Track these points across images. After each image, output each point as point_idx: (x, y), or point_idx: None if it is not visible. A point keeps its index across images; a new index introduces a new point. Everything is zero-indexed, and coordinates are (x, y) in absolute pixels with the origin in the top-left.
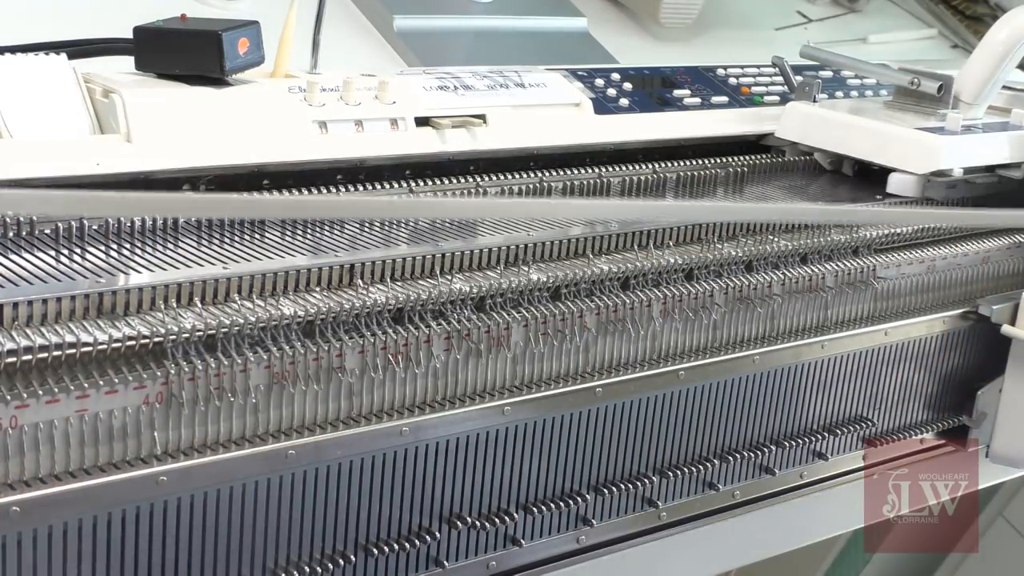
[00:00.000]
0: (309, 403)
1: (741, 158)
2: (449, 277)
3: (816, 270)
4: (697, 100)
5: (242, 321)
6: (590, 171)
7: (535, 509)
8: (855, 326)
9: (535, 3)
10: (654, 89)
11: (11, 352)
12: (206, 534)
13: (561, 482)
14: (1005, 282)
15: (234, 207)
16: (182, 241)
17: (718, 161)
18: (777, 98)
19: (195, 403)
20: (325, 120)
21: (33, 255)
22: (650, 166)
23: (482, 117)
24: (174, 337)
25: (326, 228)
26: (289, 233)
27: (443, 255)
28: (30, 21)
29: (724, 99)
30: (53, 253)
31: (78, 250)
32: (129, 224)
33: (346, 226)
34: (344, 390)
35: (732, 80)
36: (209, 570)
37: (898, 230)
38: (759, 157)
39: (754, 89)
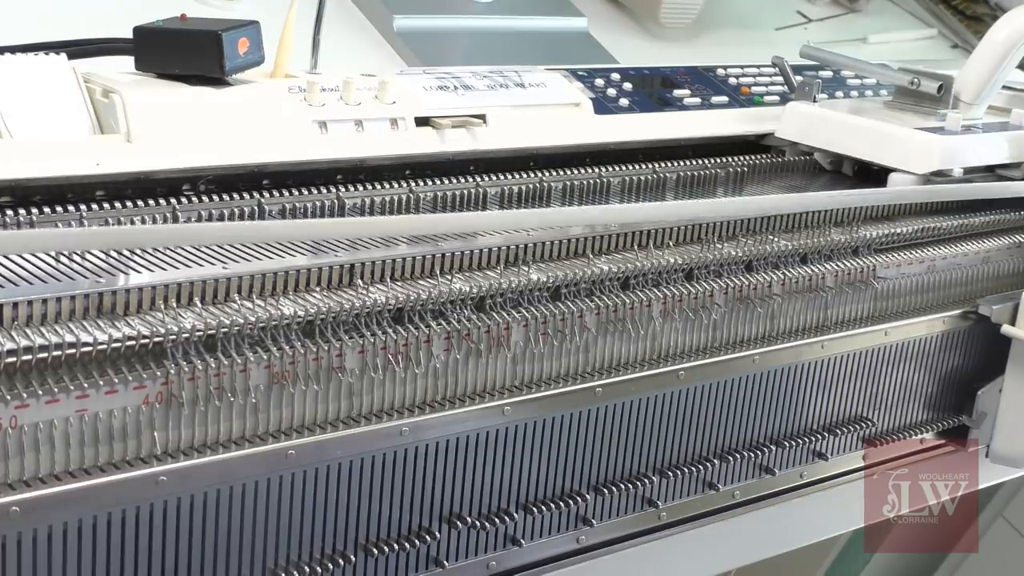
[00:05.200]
0: (309, 403)
1: (741, 158)
2: (449, 277)
3: (816, 270)
4: (697, 100)
5: (242, 321)
6: (590, 171)
7: (535, 509)
8: (855, 326)
9: (535, 3)
10: (654, 89)
11: (11, 352)
12: (206, 534)
13: (561, 482)
14: (1005, 282)
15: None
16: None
17: (718, 161)
18: (777, 98)
19: (195, 403)
20: (325, 120)
21: (33, 255)
22: (650, 166)
23: (482, 117)
24: (174, 337)
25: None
26: None
27: (443, 255)
28: (30, 21)
29: (724, 99)
30: (53, 253)
31: (78, 250)
32: (129, 224)
33: None
34: (344, 390)
35: (732, 80)
36: (209, 570)
37: (898, 230)
38: (759, 157)
39: (754, 89)
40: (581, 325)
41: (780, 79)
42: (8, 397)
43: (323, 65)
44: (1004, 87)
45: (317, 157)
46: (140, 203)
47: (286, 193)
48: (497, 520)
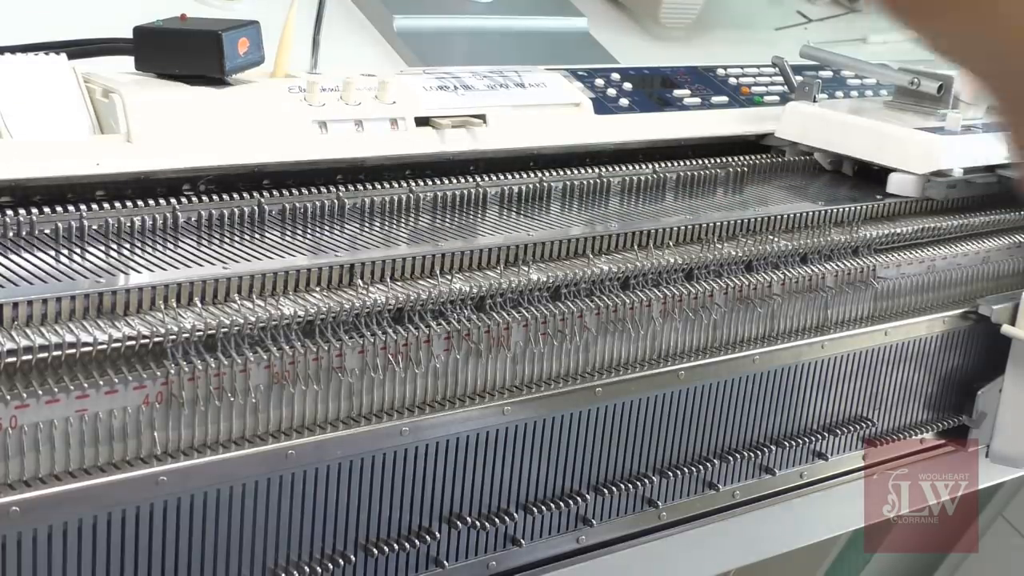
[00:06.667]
0: (309, 403)
1: (741, 158)
2: (449, 277)
3: (816, 270)
4: (697, 100)
5: (242, 321)
6: (590, 171)
7: (535, 509)
8: (855, 326)
9: (535, 3)
10: (654, 89)
11: (11, 352)
12: (206, 534)
13: (561, 482)
14: (1005, 282)
15: None
16: (182, 241)
17: (718, 161)
18: (777, 98)
19: (195, 403)
20: (325, 120)
21: (33, 255)
22: (650, 166)
23: (482, 117)
24: (174, 337)
25: (326, 228)
26: (289, 233)
27: (443, 255)
28: (30, 21)
29: (724, 99)
30: (53, 253)
31: (78, 250)
32: (129, 224)
33: (346, 226)
34: (344, 390)
35: (732, 80)
36: (209, 570)
37: (898, 230)
38: (759, 157)
39: (754, 89)
40: (581, 325)
41: (780, 79)
42: (8, 397)
43: (323, 65)
44: None
45: (317, 157)
46: (140, 203)
47: (286, 193)
48: (497, 520)
